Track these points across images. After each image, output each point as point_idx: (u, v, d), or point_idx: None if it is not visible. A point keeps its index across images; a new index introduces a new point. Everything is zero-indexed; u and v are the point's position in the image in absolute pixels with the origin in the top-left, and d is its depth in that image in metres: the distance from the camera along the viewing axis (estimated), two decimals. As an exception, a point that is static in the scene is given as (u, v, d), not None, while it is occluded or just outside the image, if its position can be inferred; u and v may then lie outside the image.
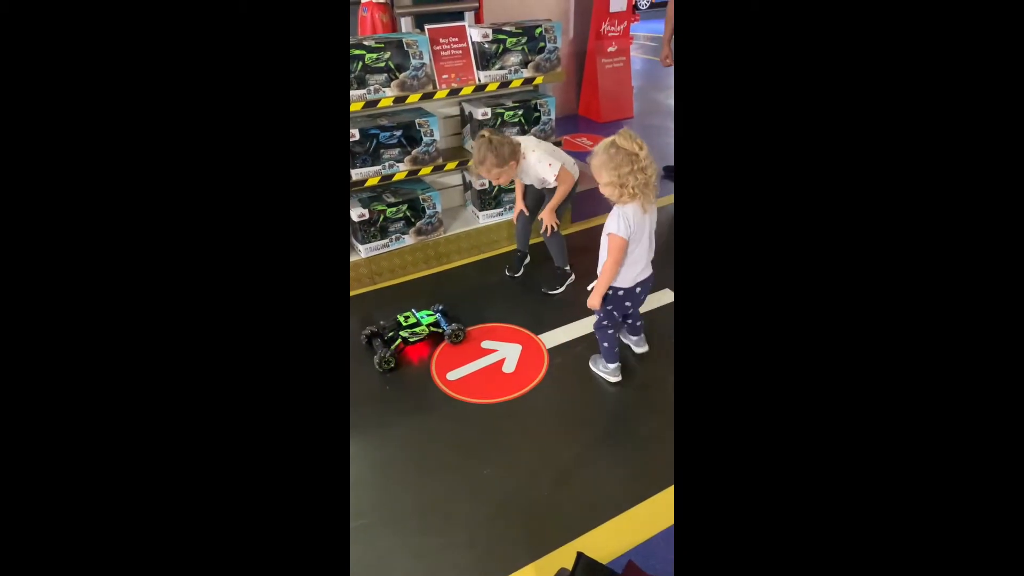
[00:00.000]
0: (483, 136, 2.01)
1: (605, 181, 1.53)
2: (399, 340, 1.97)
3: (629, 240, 1.58)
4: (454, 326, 2.05)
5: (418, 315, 2.07)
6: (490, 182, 2.52)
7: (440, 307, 2.14)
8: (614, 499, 1.47)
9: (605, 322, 1.78)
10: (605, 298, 1.69)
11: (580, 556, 0.95)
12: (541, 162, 2.08)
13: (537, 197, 2.30)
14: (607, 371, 1.87)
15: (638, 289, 1.70)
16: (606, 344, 1.82)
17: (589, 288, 1.71)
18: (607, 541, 1.36)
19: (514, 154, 2.03)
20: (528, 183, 2.25)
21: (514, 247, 2.57)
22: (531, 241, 2.49)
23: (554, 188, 2.15)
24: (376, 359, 1.91)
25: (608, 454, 1.61)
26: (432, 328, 2.03)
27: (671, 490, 1.49)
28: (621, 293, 1.69)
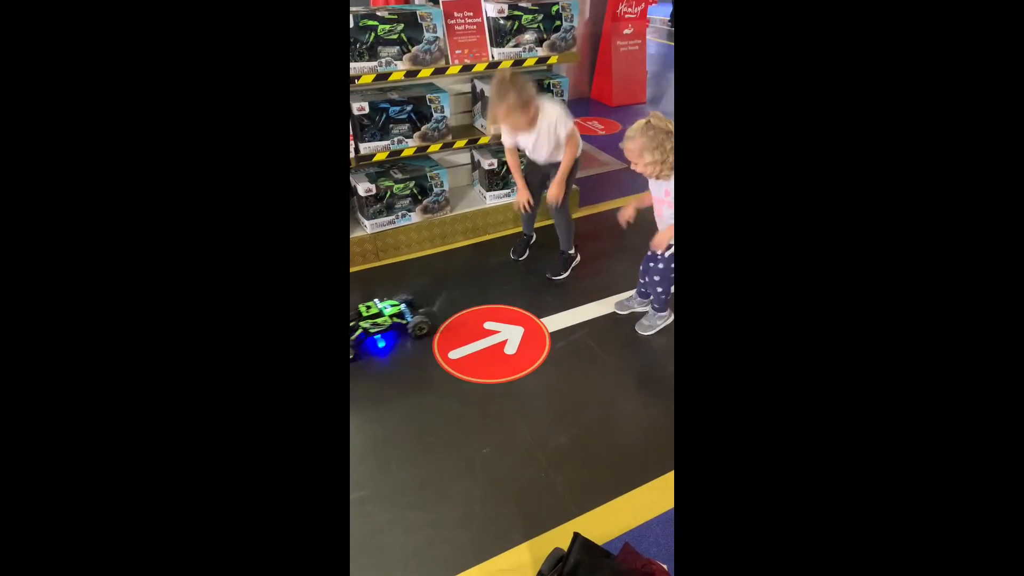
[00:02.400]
0: (501, 75, 1.87)
1: (648, 161, 1.65)
2: (359, 331, 1.90)
3: None
4: (418, 318, 1.96)
5: (381, 305, 1.97)
6: (499, 163, 2.49)
7: (406, 297, 2.05)
8: (610, 483, 1.48)
9: (659, 278, 1.91)
10: (661, 257, 1.86)
11: (576, 536, 0.96)
12: (560, 116, 1.96)
13: (541, 178, 2.23)
14: (664, 319, 2.02)
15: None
16: (662, 290, 1.94)
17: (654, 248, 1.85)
18: (602, 524, 1.38)
19: (534, 98, 1.90)
20: (533, 157, 2.14)
21: (519, 229, 2.55)
22: (536, 224, 2.47)
23: (558, 163, 2.07)
24: None
25: (606, 438, 1.62)
26: (395, 319, 1.95)
27: (667, 476, 1.50)
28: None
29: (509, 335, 2.02)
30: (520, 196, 2.19)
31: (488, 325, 2.06)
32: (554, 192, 2.09)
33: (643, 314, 2.07)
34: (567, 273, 2.33)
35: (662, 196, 1.79)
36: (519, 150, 2.17)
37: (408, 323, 1.97)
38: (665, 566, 0.96)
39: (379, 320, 1.93)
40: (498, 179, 2.57)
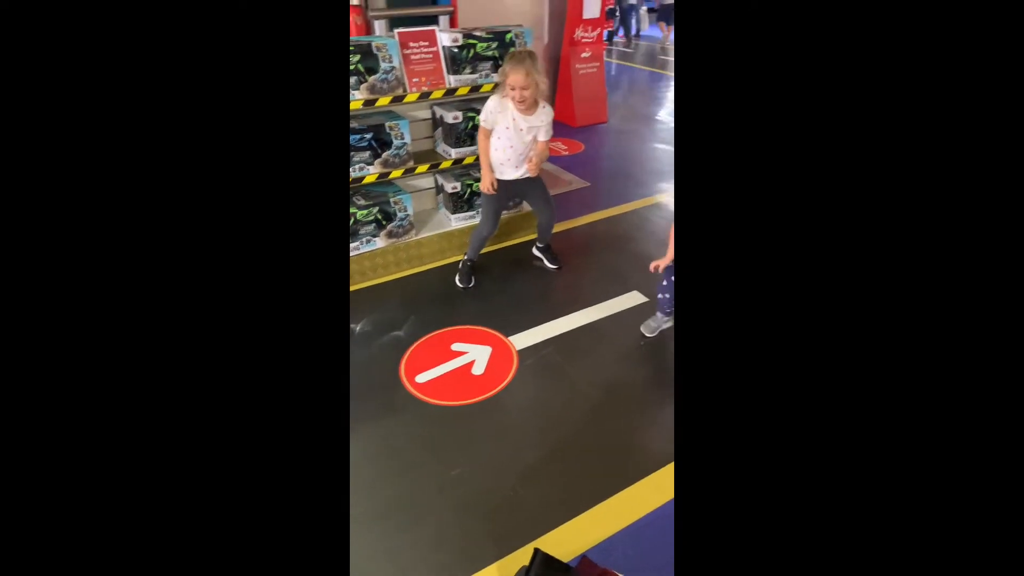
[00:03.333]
0: (521, 49, 2.07)
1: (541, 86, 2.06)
2: None
3: None
4: None
5: None
6: (463, 186, 2.53)
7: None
8: (579, 497, 1.49)
9: (668, 296, 2.05)
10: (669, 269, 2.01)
11: (536, 552, 0.97)
12: (551, 122, 2.12)
13: (505, 196, 2.32)
14: (667, 322, 2.14)
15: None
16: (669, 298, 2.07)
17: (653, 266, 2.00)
18: (570, 538, 1.39)
19: (545, 82, 2.06)
20: (503, 157, 2.17)
21: (487, 248, 2.58)
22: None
23: (522, 180, 2.23)
24: None
25: (574, 454, 1.63)
26: None
27: (634, 487, 1.52)
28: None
29: (476, 355, 2.03)
30: (485, 179, 2.22)
31: (455, 347, 2.07)
32: (534, 163, 2.16)
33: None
34: (556, 266, 2.49)
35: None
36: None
37: None
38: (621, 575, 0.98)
39: None
40: (462, 202, 2.61)
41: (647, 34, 9.10)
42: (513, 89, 2.01)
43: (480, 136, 2.21)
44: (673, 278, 2.00)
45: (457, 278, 2.44)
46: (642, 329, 2.14)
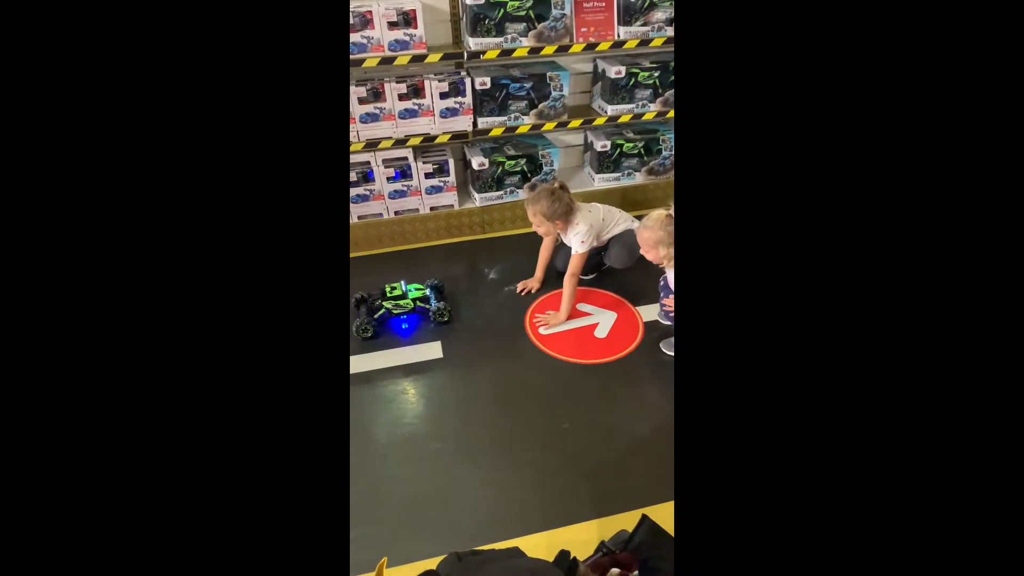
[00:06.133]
0: (547, 186, 1.99)
1: (663, 254, 1.67)
2: (383, 310, 1.97)
3: None
4: (441, 304, 1.98)
5: (406, 288, 2.01)
6: (612, 146, 2.45)
7: (434, 282, 2.06)
8: (688, 480, 1.43)
9: None
10: None
11: (644, 517, 0.95)
12: (581, 235, 1.96)
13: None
14: None
15: None
16: None
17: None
18: (671, 518, 1.34)
19: (561, 216, 1.95)
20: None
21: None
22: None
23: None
24: (354, 326, 1.91)
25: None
26: (419, 303, 1.98)
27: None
28: None
29: (601, 319, 2.00)
30: (529, 283, 2.17)
31: (581, 306, 2.06)
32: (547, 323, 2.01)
33: None
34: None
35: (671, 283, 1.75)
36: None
37: (431, 308, 1.98)
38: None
39: (402, 302, 1.97)
40: (609, 162, 2.53)
41: None
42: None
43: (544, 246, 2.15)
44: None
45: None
46: (662, 346, 1.89)
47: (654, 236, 1.64)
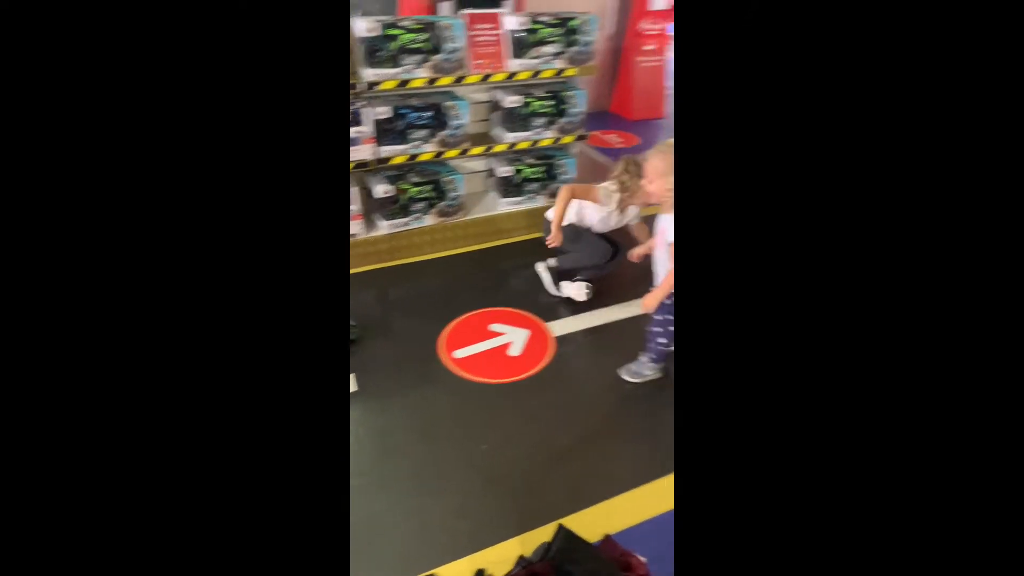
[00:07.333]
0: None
1: (668, 185, 1.48)
2: None
3: None
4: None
5: None
6: (514, 172, 2.54)
7: None
8: (606, 484, 1.50)
9: (659, 329, 1.74)
10: (664, 306, 1.65)
11: (560, 527, 0.99)
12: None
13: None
14: (652, 368, 1.83)
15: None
16: (664, 342, 1.75)
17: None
18: (594, 522, 1.40)
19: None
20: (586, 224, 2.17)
21: (531, 235, 2.59)
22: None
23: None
24: None
25: (604, 443, 1.65)
26: None
27: (659, 481, 1.52)
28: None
29: (514, 337, 2.06)
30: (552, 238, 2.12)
31: (494, 327, 2.11)
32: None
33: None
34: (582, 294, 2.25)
35: (668, 236, 1.58)
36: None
37: None
38: (644, 559, 0.99)
39: None
40: (511, 187, 2.63)
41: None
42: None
43: (560, 200, 2.07)
44: (671, 316, 1.66)
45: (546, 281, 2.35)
46: (621, 373, 1.86)
47: (662, 163, 1.50)
